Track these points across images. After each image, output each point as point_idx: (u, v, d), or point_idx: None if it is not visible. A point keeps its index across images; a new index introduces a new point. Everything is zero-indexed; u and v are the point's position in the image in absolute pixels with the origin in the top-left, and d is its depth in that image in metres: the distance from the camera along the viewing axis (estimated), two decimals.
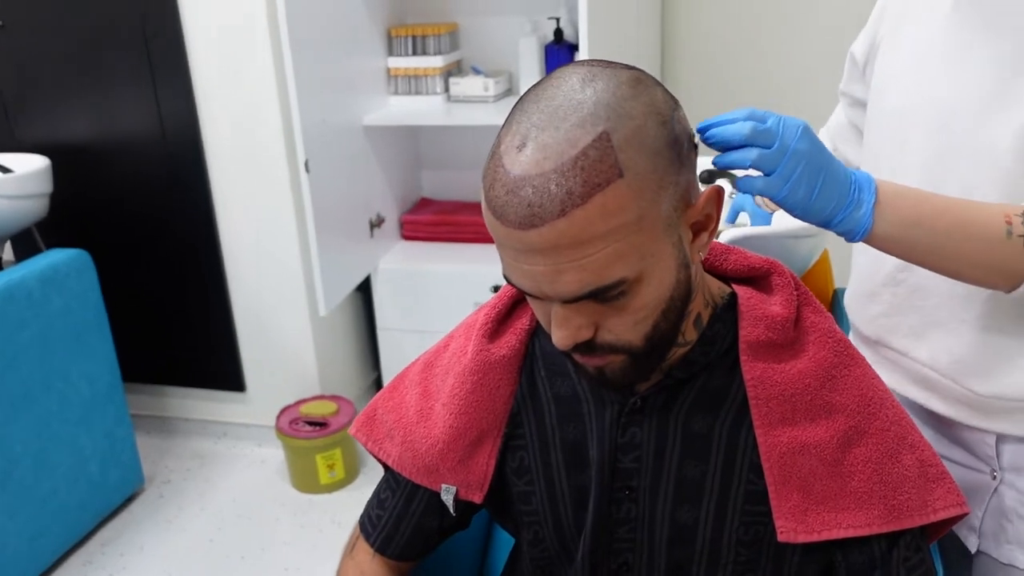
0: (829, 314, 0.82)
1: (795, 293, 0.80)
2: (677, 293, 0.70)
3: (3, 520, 1.90)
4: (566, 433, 0.84)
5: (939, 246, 0.79)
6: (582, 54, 1.90)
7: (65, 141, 2.34)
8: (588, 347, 0.70)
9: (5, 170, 2.10)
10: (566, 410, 0.84)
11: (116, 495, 2.26)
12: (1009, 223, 0.78)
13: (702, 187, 0.71)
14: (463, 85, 2.39)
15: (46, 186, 2.17)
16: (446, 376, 0.88)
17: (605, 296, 0.66)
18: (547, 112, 0.64)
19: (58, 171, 2.23)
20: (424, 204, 2.66)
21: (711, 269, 0.84)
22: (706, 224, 0.71)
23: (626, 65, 0.69)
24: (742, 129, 0.70)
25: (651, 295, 0.68)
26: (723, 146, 0.72)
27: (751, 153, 0.71)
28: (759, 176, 0.73)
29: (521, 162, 0.63)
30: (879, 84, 1.00)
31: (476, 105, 2.37)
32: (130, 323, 2.46)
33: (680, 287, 0.70)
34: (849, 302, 1.10)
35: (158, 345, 2.54)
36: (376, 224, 2.38)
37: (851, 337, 1.10)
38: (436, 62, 2.38)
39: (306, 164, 1.98)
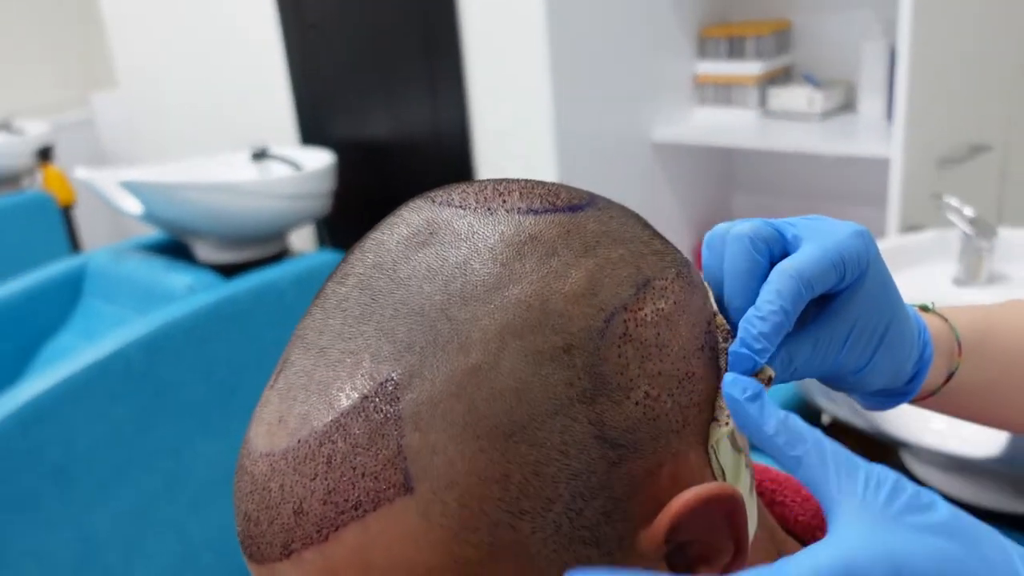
0: None
1: None
2: None
3: None
4: None
5: None
6: (901, 70, 1.40)
7: (355, 138, 2.36)
8: None
9: (295, 167, 2.15)
10: None
11: None
12: None
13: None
14: (783, 97, 1.95)
15: (330, 184, 2.18)
16: None
17: None
18: (328, 310, 0.34)
19: (346, 167, 2.24)
20: None
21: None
22: (708, 555, 0.34)
23: (546, 204, 0.35)
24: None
25: None
26: None
27: None
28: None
29: (260, 432, 0.33)
30: None
31: (796, 124, 1.92)
32: None
33: None
34: None
35: None
36: None
37: None
38: (752, 68, 1.97)
39: None
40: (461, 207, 0.35)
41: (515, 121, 1.99)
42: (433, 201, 0.35)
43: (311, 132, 2.46)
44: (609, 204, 0.37)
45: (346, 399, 0.31)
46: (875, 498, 0.30)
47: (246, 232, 2.10)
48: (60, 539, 1.56)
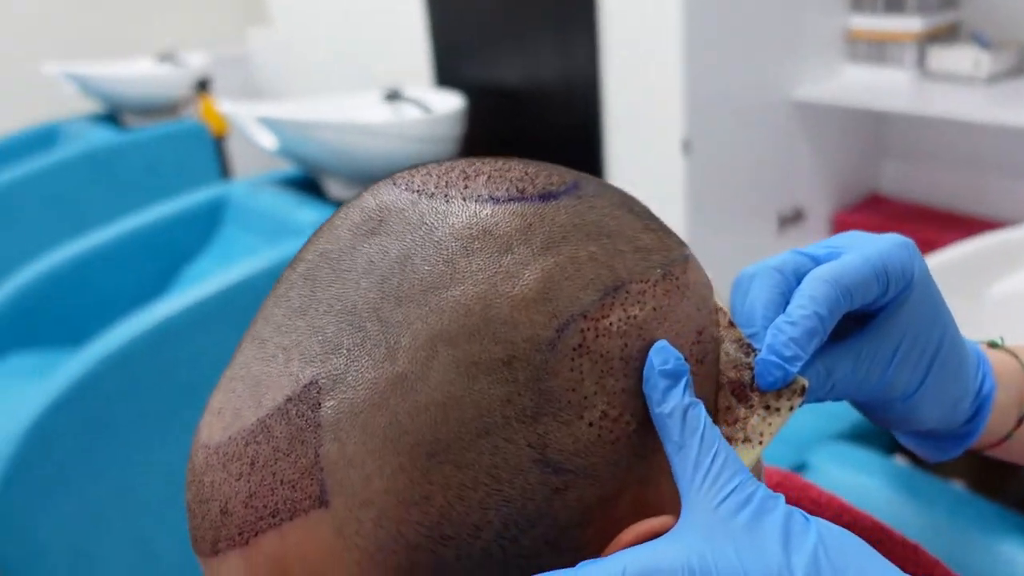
0: None
1: None
2: None
3: None
4: None
5: None
6: None
7: (487, 83, 2.34)
8: None
9: (426, 109, 2.16)
10: None
11: None
12: None
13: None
14: (946, 57, 1.79)
15: (460, 128, 2.18)
16: None
17: None
18: (276, 298, 0.32)
19: (476, 112, 2.23)
20: (874, 202, 2.12)
21: None
22: None
23: (514, 190, 0.31)
24: None
25: None
26: None
27: None
28: None
29: (205, 420, 0.31)
30: None
31: (958, 87, 1.76)
32: None
33: None
34: None
35: None
36: (789, 219, 1.96)
37: None
38: (912, 25, 1.81)
39: (685, 144, 1.67)
40: (419, 192, 0.31)
41: (645, 73, 1.91)
42: (394, 183, 0.32)
43: (444, 75, 2.47)
44: (599, 192, 0.33)
45: (272, 400, 0.29)
46: (728, 507, 0.27)
47: (375, 171, 2.14)
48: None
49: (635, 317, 0.29)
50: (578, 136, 2.16)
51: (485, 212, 0.30)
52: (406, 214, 0.30)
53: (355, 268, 0.30)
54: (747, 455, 0.32)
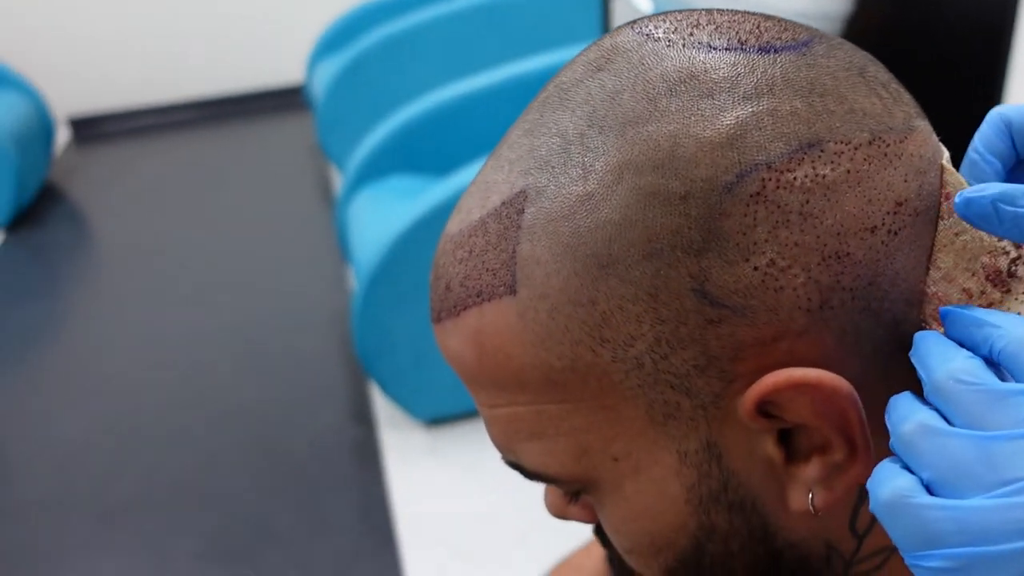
0: None
1: None
2: (710, 548, 0.35)
3: None
4: None
5: None
6: None
7: None
8: (597, 529, 0.41)
9: None
10: None
11: None
12: None
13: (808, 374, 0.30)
14: None
15: (845, 5, 2.01)
16: None
17: (541, 481, 0.37)
18: (519, 119, 0.36)
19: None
20: None
21: None
22: (823, 446, 0.32)
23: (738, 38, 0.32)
24: None
25: (628, 525, 0.35)
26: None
27: None
28: None
29: (453, 215, 0.37)
30: None
31: None
32: None
33: (716, 540, 0.34)
34: None
35: None
36: None
37: None
38: None
39: None
40: (647, 36, 0.33)
41: None
42: (632, 27, 0.34)
43: None
44: (830, 52, 0.32)
45: (492, 202, 0.33)
46: None
47: None
48: None
49: (824, 176, 0.29)
50: (981, 32, 1.89)
51: (699, 58, 0.31)
52: (630, 55, 0.32)
53: (577, 99, 0.33)
54: None
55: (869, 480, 0.27)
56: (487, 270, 0.32)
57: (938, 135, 0.33)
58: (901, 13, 2.12)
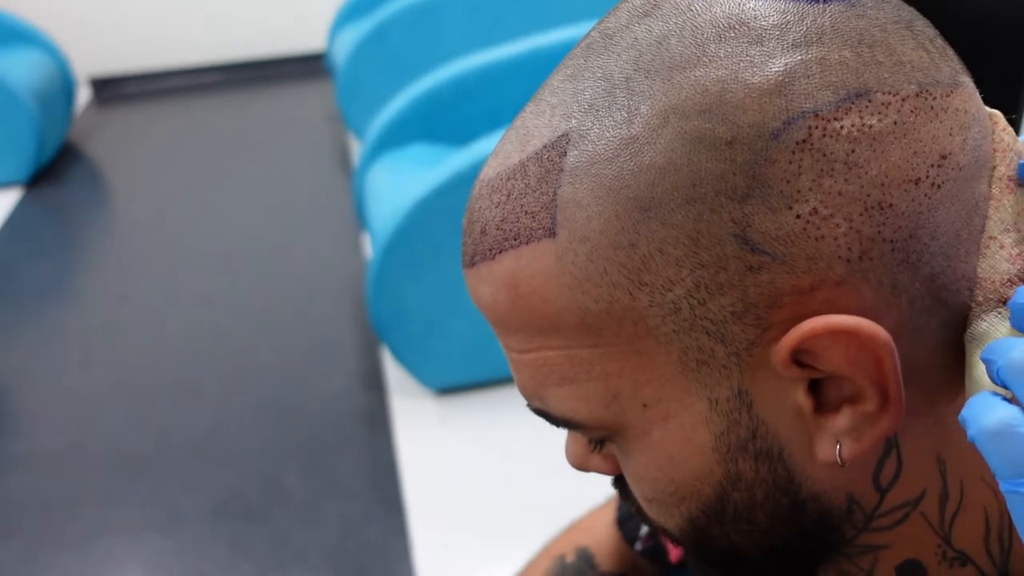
0: None
1: None
2: (734, 497, 0.35)
3: None
4: None
5: None
6: None
7: None
8: (617, 481, 0.42)
9: None
10: None
11: None
12: None
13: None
14: None
15: None
16: None
17: (567, 427, 0.37)
18: (561, 64, 0.35)
19: None
20: None
21: None
22: (854, 396, 0.32)
23: None
24: None
25: (653, 472, 0.36)
26: None
27: None
28: None
29: (489, 160, 0.36)
30: None
31: None
32: None
33: (741, 489, 0.35)
34: None
35: None
36: None
37: None
38: None
39: None
40: None
41: None
42: None
43: None
44: (880, 4, 0.31)
45: (532, 146, 0.33)
46: None
47: None
48: None
49: (870, 126, 0.29)
50: (1002, 33, 1.86)
51: (749, 5, 0.31)
52: (679, 1, 0.32)
53: (622, 43, 0.32)
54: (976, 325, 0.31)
55: (965, 410, 0.28)
56: (526, 213, 0.32)
57: None
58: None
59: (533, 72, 2.27)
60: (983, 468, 0.35)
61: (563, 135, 0.32)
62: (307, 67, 4.23)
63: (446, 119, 2.24)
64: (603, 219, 0.31)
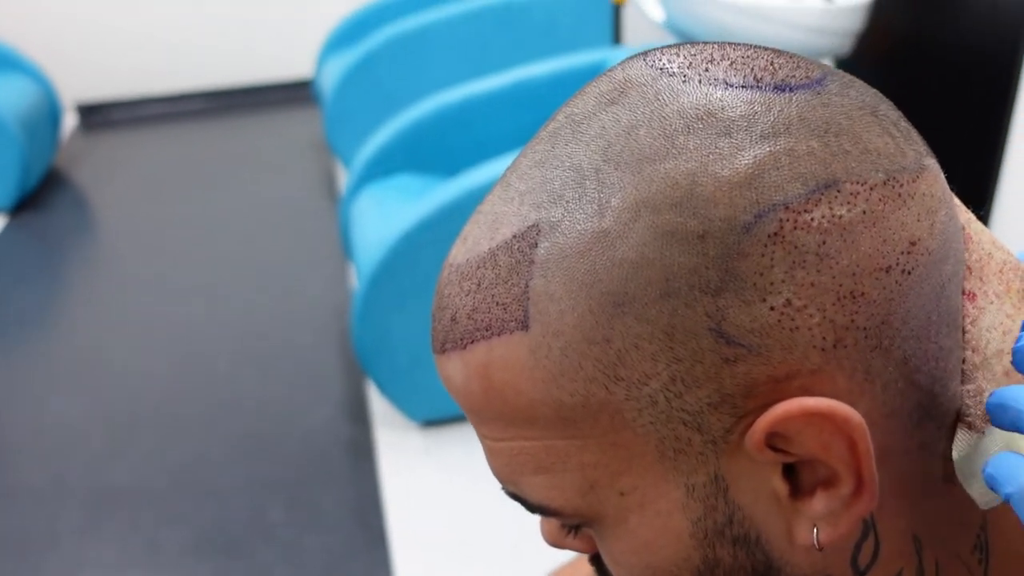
0: None
1: None
2: None
3: None
4: None
5: None
6: None
7: None
8: (594, 559, 0.41)
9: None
10: None
11: None
12: None
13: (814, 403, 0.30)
14: None
15: (860, 23, 2.01)
16: None
17: (543, 514, 0.36)
18: (527, 149, 0.35)
19: (881, 9, 2.04)
20: None
21: None
22: (829, 480, 0.32)
23: (754, 76, 0.32)
24: None
25: (630, 558, 0.35)
26: None
27: None
28: None
29: (456, 242, 0.36)
30: None
31: None
32: None
33: (720, 574, 0.34)
34: None
35: None
36: None
37: None
38: None
39: None
40: (661, 70, 0.32)
41: None
42: (644, 59, 0.33)
43: None
44: (843, 90, 0.31)
45: (502, 234, 0.32)
46: None
47: None
48: None
49: (840, 217, 0.29)
50: (993, 46, 1.89)
51: (716, 95, 0.31)
52: (645, 89, 0.32)
53: (590, 132, 0.32)
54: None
55: (995, 471, 0.30)
56: (497, 304, 0.32)
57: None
58: (914, 28, 2.12)
59: (518, 104, 2.28)
60: (959, 545, 0.36)
61: (533, 225, 0.31)
62: (294, 94, 4.23)
63: (432, 150, 2.25)
64: (576, 313, 0.30)
